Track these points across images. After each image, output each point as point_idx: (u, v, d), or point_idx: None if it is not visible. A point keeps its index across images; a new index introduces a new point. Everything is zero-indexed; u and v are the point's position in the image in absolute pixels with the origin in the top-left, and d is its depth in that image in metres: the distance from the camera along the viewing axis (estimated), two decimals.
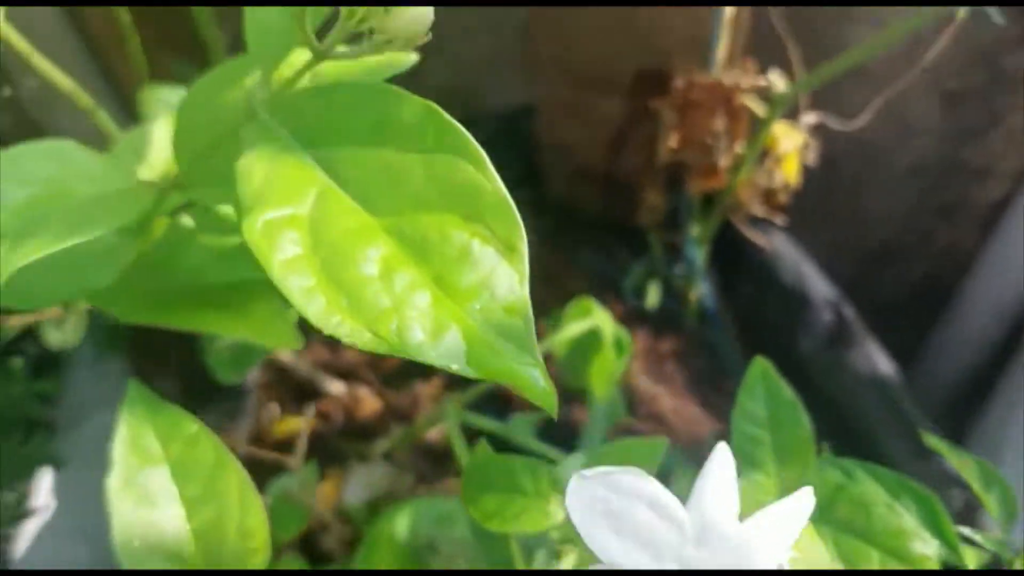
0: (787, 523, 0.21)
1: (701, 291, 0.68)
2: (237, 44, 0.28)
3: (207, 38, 0.51)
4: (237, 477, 0.27)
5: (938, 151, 0.82)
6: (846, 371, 0.62)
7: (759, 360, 0.38)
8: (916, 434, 0.62)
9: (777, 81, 0.51)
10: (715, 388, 0.71)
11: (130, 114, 0.54)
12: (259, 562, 0.26)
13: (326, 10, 0.26)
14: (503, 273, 0.22)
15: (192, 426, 0.28)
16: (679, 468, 0.45)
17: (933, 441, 0.42)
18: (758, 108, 0.54)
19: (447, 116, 0.23)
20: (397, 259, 0.22)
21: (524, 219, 0.22)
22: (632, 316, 0.73)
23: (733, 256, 0.71)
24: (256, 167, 0.23)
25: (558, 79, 0.70)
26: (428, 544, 0.46)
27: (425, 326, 0.21)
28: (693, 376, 0.71)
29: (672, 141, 0.57)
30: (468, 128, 0.23)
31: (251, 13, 0.28)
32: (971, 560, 0.35)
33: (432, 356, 0.21)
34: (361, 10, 0.23)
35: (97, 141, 0.35)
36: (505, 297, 0.22)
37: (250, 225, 0.22)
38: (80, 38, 0.68)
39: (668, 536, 0.21)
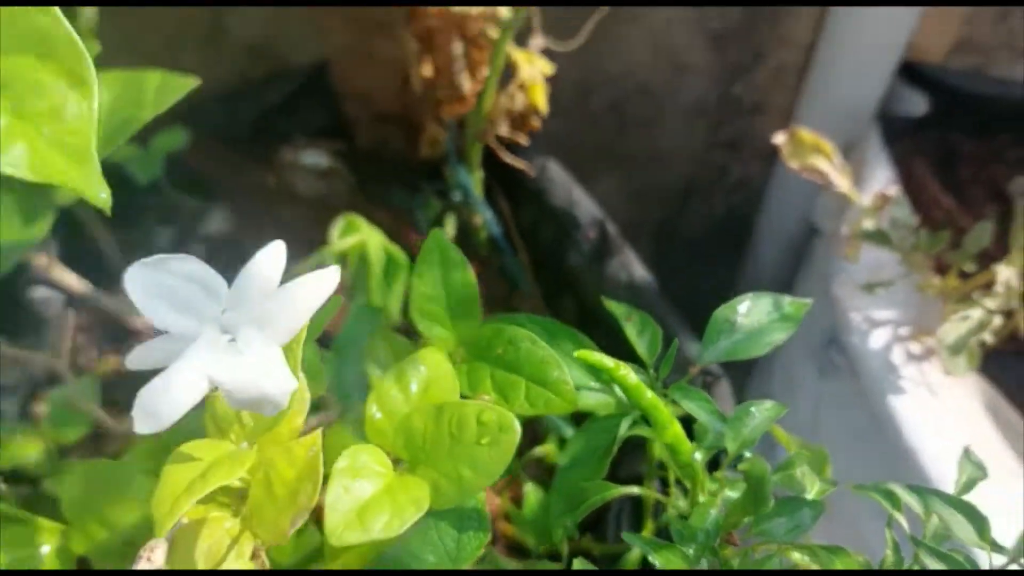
0: (311, 292, 0.27)
1: (484, 217, 0.74)
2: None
3: None
4: None
5: (713, 89, 0.90)
6: (606, 279, 0.68)
7: (435, 233, 0.44)
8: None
9: (502, 9, 0.57)
10: (510, 306, 0.77)
11: None
12: None
13: None
14: (72, 101, 0.27)
15: None
16: None
17: (611, 305, 0.48)
18: (496, 34, 0.59)
19: None
20: None
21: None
22: None
23: (516, 185, 0.77)
24: None
25: (342, 27, 0.75)
26: None
27: None
28: (489, 297, 0.77)
29: (425, 70, 0.62)
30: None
31: None
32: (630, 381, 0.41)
33: (2, 165, 0.26)
34: None
35: None
36: (72, 121, 0.27)
37: None
38: None
39: (208, 303, 0.26)
